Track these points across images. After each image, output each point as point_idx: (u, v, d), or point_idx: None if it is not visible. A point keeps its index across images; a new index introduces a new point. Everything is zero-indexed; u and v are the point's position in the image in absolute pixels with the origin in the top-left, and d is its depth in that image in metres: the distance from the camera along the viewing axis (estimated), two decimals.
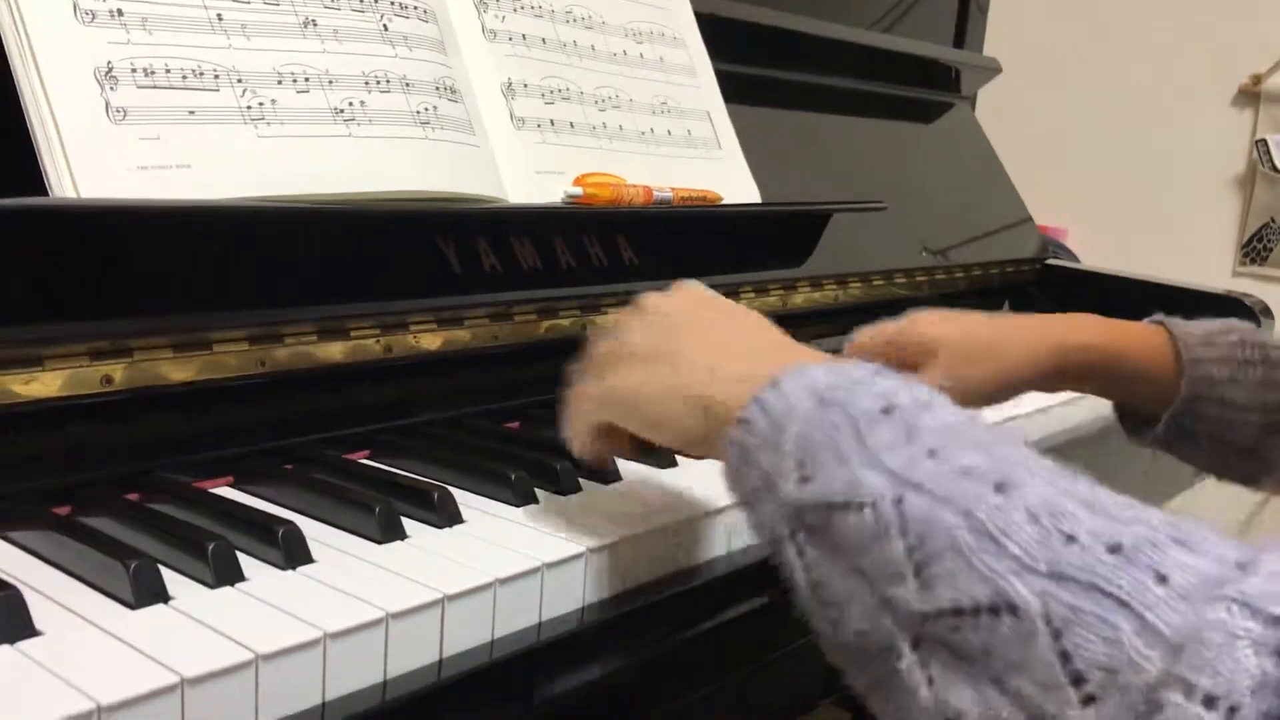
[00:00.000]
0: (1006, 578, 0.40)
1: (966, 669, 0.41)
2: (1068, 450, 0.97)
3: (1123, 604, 0.38)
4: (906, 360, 0.84)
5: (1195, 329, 0.83)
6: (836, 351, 1.16)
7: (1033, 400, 0.94)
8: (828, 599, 0.46)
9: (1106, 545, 0.40)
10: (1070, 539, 0.40)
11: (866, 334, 0.84)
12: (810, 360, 0.53)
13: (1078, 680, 0.38)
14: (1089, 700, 0.38)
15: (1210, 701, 0.36)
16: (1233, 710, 0.36)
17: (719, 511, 0.68)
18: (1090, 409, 1.06)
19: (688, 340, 0.57)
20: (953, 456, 0.45)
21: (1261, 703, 0.36)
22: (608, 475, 0.72)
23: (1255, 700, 0.36)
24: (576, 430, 0.62)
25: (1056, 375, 0.82)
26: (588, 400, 0.60)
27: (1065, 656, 0.39)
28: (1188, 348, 0.82)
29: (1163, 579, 0.38)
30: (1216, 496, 0.93)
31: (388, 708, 0.50)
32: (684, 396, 0.54)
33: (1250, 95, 2.08)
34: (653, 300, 0.62)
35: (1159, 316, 0.86)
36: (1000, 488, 0.43)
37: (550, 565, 0.58)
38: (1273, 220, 2.09)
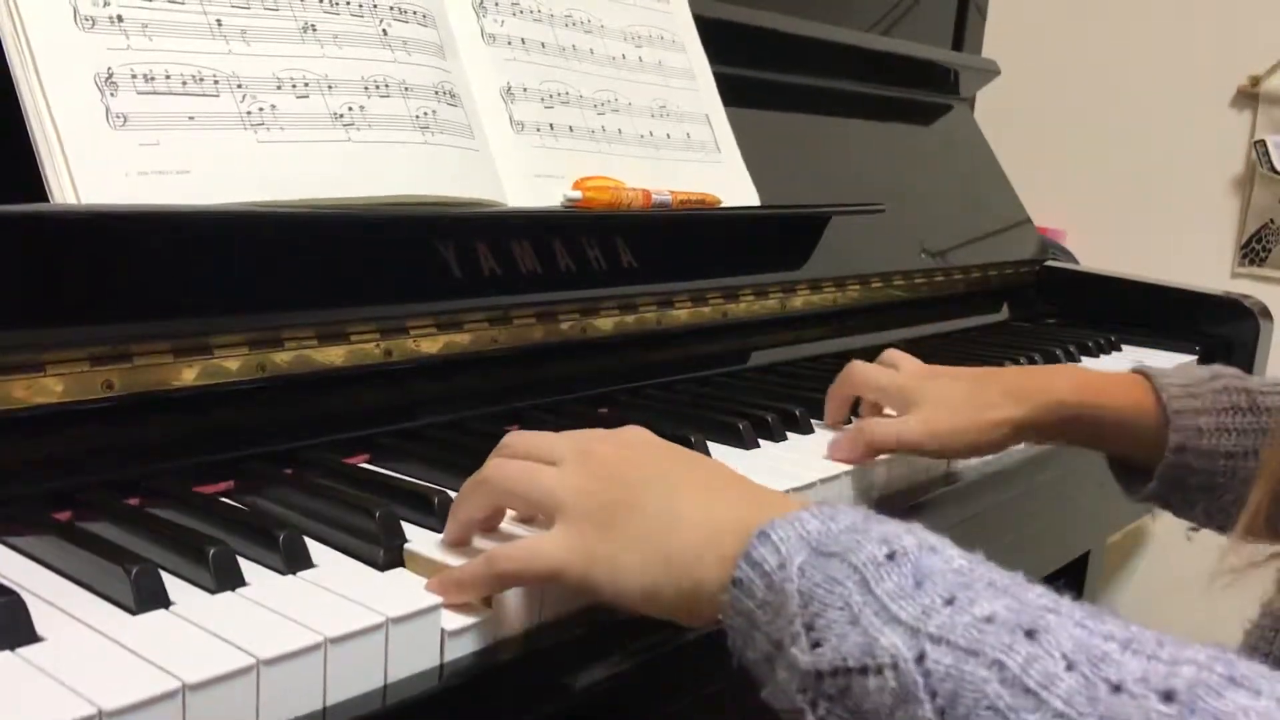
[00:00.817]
0: None
1: None
2: (1028, 473, 0.97)
3: None
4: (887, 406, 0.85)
5: (1178, 378, 0.82)
6: (842, 355, 1.17)
7: None
8: None
9: (1159, 693, 0.37)
10: (1116, 688, 0.38)
11: (856, 378, 0.86)
12: (788, 506, 0.50)
13: None
14: None
15: None
16: None
17: None
18: None
19: (650, 496, 0.53)
20: (971, 603, 0.42)
21: None
22: None
23: None
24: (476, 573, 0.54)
25: (1040, 432, 0.83)
26: (549, 551, 0.53)
27: None
28: (1171, 398, 0.80)
29: None
30: (1168, 524, 0.91)
31: (388, 713, 0.50)
32: (666, 568, 0.50)
33: (1249, 97, 2.08)
34: (603, 450, 0.56)
35: (1140, 367, 0.85)
36: (1031, 634, 0.40)
37: None
38: (1271, 221, 2.09)
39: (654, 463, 0.56)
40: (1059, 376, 0.85)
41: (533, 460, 0.57)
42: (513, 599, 0.56)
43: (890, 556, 0.44)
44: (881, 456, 0.83)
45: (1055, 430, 0.82)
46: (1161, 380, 0.82)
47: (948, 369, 0.86)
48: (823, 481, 0.77)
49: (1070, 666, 0.39)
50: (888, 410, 0.86)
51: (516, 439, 0.59)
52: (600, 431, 0.59)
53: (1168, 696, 0.37)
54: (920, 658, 0.41)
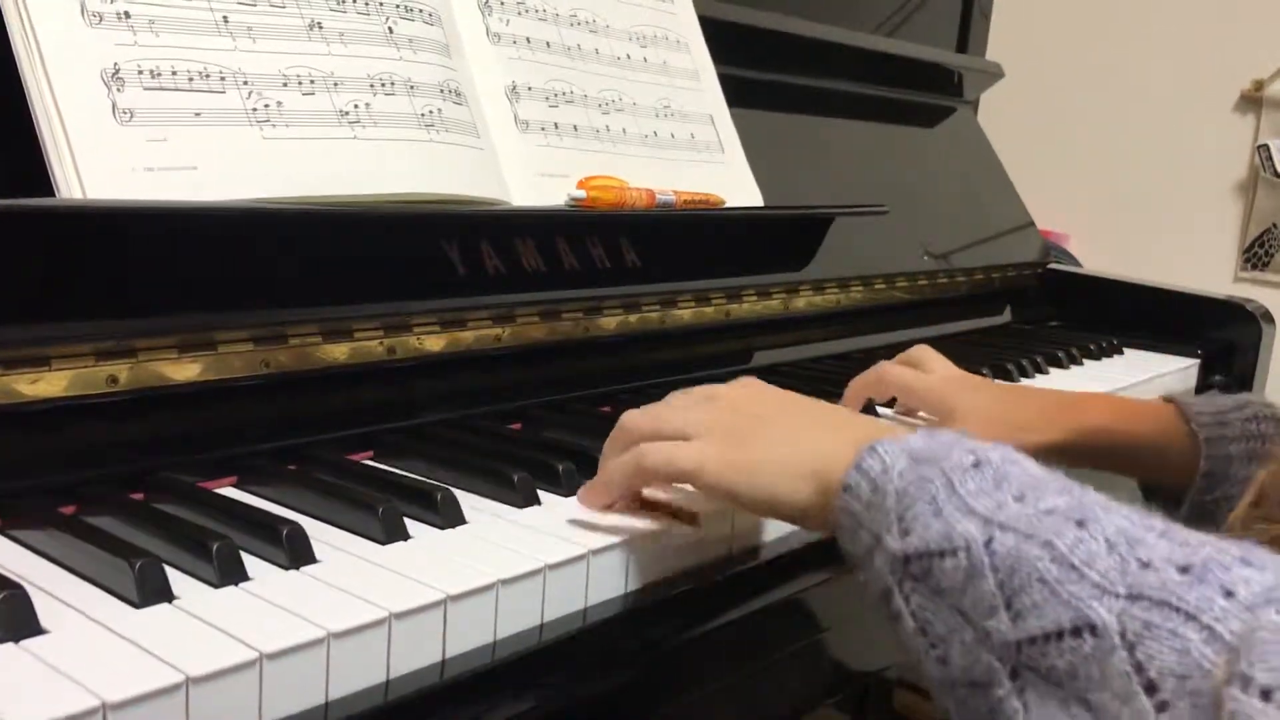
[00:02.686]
0: (1087, 602, 0.44)
1: (1056, 692, 0.45)
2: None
3: (1191, 617, 0.42)
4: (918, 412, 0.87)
5: (1208, 407, 0.84)
6: (844, 356, 1.17)
7: None
8: (934, 639, 0.50)
9: (1178, 567, 0.43)
10: (1145, 564, 0.44)
11: (900, 381, 0.86)
12: (896, 429, 0.58)
13: (1151, 689, 0.41)
14: (1163, 707, 0.41)
15: (1267, 694, 0.38)
16: None
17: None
18: None
19: (778, 424, 0.61)
20: (1038, 500, 0.49)
21: None
22: None
23: None
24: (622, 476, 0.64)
25: (1070, 457, 0.83)
26: (691, 458, 0.61)
27: (1139, 667, 0.42)
28: (1202, 427, 0.83)
29: (1229, 594, 0.42)
30: None
31: (390, 707, 0.50)
32: (792, 472, 0.58)
33: (1252, 101, 2.08)
34: (725, 391, 0.65)
35: (1171, 395, 0.87)
36: (1081, 523, 0.47)
37: (553, 566, 0.58)
38: (1274, 226, 2.09)
39: (770, 399, 0.65)
40: (1093, 403, 0.87)
41: (661, 413, 0.65)
42: (509, 598, 0.56)
43: (976, 465, 0.51)
44: None
45: (1087, 455, 0.84)
46: (1192, 409, 0.84)
47: (983, 380, 0.88)
48: None
49: (1110, 548, 0.45)
50: (921, 415, 0.86)
51: (643, 408, 0.67)
52: (716, 385, 0.67)
53: (1184, 570, 0.43)
54: (989, 541, 0.48)
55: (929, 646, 0.50)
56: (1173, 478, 0.84)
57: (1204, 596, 0.42)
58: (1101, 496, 0.49)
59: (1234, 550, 0.43)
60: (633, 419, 0.65)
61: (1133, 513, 0.48)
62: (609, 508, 0.65)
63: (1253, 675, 0.38)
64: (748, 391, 0.65)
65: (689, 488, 0.64)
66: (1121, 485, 0.89)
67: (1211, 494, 0.82)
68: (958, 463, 0.51)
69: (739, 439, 0.61)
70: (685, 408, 0.64)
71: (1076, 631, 0.44)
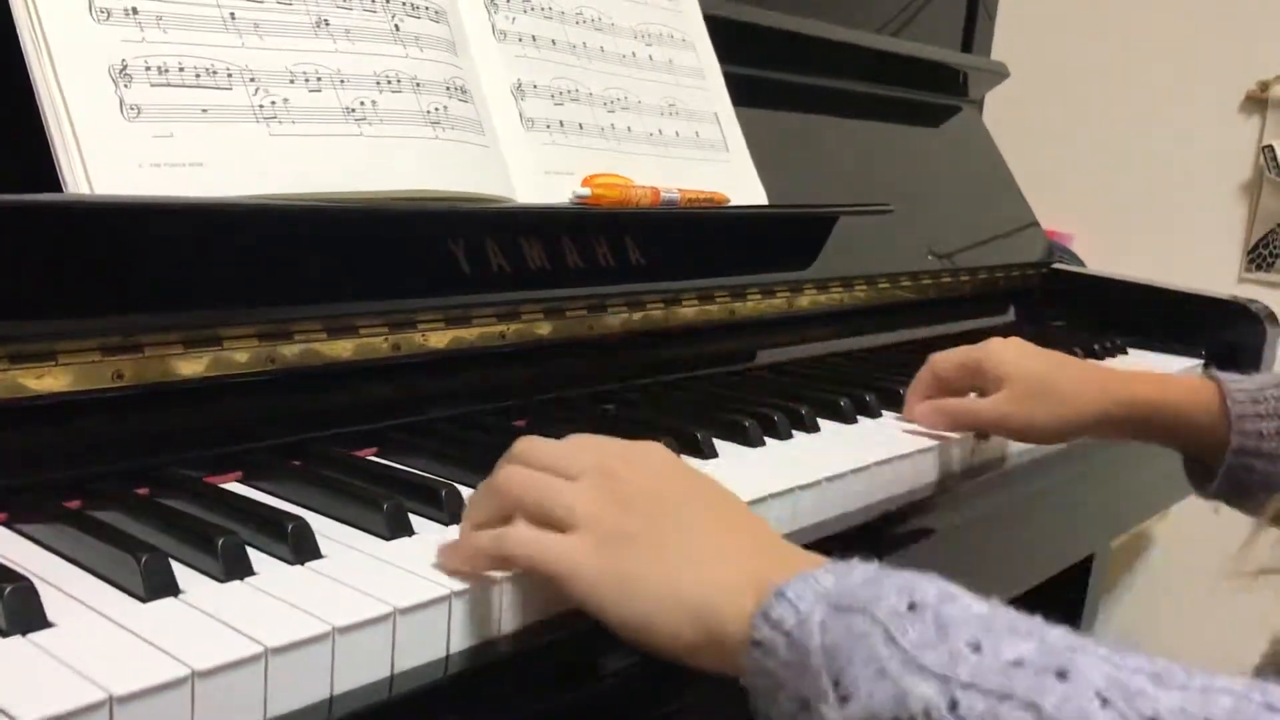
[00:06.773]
0: None
1: None
2: (1031, 475, 0.98)
3: None
4: (976, 385, 0.90)
5: (1246, 384, 0.87)
6: (848, 355, 1.16)
7: None
8: None
9: None
10: None
11: (951, 357, 0.90)
12: (802, 562, 0.51)
13: None
14: None
15: None
16: None
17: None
18: None
19: (671, 533, 0.53)
20: (997, 648, 0.42)
21: None
22: None
23: None
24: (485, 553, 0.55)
25: (1114, 427, 0.88)
26: (565, 552, 0.52)
27: None
28: (1235, 403, 0.85)
29: None
30: (1172, 527, 0.97)
31: (395, 702, 0.50)
32: (678, 603, 0.50)
33: (1258, 102, 2.08)
34: (625, 473, 0.55)
35: (1213, 371, 0.90)
36: (1062, 674, 0.40)
37: None
38: (1279, 227, 2.09)
39: (673, 495, 0.55)
40: (1139, 377, 0.90)
41: (550, 472, 0.55)
42: (512, 593, 0.56)
43: (911, 607, 0.44)
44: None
45: (1130, 427, 0.88)
46: (1229, 385, 0.87)
47: (1038, 349, 0.90)
48: (828, 480, 0.77)
49: (1105, 703, 0.39)
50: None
51: (530, 447, 0.58)
52: (619, 447, 0.58)
53: None
54: (953, 705, 0.41)
55: None
56: (1210, 452, 0.87)
57: None
58: (1060, 629, 0.43)
59: (1254, 695, 0.38)
60: (509, 479, 0.56)
61: (1110, 651, 0.41)
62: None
63: None
64: (649, 480, 0.55)
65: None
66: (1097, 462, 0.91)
67: (1243, 468, 0.85)
68: (892, 608, 0.44)
69: (621, 543, 0.52)
70: (574, 481, 0.54)
71: None
